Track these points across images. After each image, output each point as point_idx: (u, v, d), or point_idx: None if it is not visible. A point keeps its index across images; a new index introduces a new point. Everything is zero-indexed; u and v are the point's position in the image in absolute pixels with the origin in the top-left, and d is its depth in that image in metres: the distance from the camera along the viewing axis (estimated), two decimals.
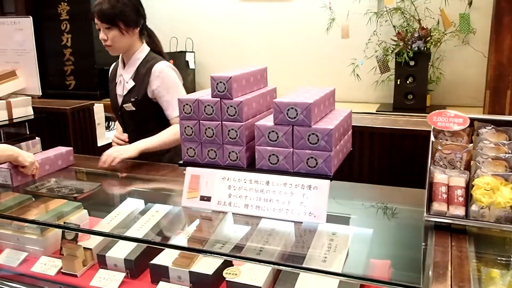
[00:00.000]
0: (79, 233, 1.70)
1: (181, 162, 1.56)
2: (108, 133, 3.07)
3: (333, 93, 1.59)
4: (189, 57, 4.52)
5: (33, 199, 1.92)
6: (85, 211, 1.86)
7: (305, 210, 1.37)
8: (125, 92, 2.21)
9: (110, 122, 3.13)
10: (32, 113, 2.06)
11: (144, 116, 2.21)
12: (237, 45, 4.49)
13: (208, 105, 1.45)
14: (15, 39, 2.02)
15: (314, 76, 4.21)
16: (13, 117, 1.98)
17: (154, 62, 2.20)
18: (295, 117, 1.34)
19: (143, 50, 2.24)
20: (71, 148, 2.05)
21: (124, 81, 2.21)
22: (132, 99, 2.18)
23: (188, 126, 1.50)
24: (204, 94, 1.52)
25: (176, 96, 1.78)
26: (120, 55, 2.24)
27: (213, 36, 4.57)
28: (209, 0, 4.53)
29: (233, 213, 1.50)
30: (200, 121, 1.48)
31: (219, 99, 1.44)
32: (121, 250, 1.62)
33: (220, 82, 1.43)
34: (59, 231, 1.73)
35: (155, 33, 2.40)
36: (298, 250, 1.42)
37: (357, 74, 3.82)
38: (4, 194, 1.91)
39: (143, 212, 1.75)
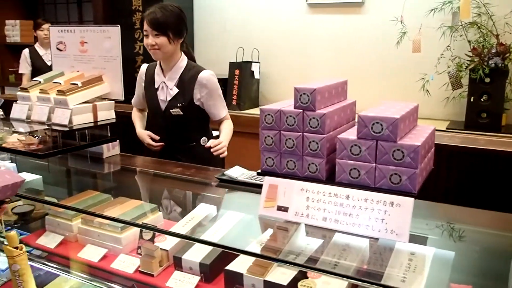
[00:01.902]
0: (156, 234, 1.76)
1: (259, 171, 1.58)
2: None
3: (416, 109, 1.56)
4: (254, 67, 4.59)
5: (112, 198, 2.01)
6: (160, 213, 1.92)
7: (387, 227, 1.34)
8: (169, 98, 2.39)
9: None
10: (114, 116, 2.16)
11: (188, 119, 2.42)
12: (302, 57, 4.51)
13: (290, 116, 1.46)
14: (103, 46, 2.13)
15: (382, 90, 4.14)
16: (98, 120, 2.08)
17: (197, 70, 2.41)
18: (380, 132, 1.33)
19: (184, 59, 2.44)
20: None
21: (168, 88, 2.39)
22: (179, 105, 2.37)
23: (268, 136, 1.52)
24: (285, 105, 1.54)
25: (220, 99, 2.43)
26: (159, 63, 2.42)
27: (279, 47, 4.61)
28: (277, 11, 4.58)
29: (308, 225, 1.50)
30: (281, 131, 1.49)
31: (301, 110, 1.45)
32: (197, 254, 1.65)
33: (304, 93, 1.44)
34: (137, 230, 1.80)
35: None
36: (376, 267, 1.40)
37: (427, 90, 3.71)
38: (83, 193, 2.02)
39: (216, 218, 1.79)
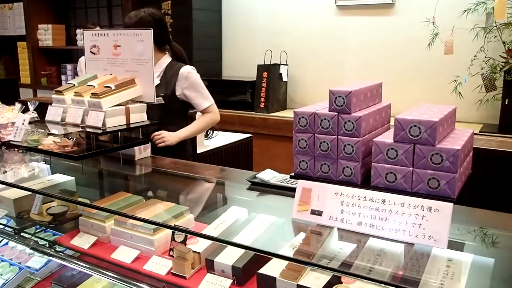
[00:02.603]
0: (188, 236, 1.76)
1: (292, 174, 1.57)
2: (207, 141, 3.18)
3: (454, 112, 1.52)
4: (282, 69, 4.58)
5: (144, 200, 2.03)
6: (192, 215, 1.93)
7: (424, 233, 1.31)
8: (161, 89, 2.65)
9: (209, 131, 3.24)
10: (146, 119, 2.18)
11: (169, 109, 2.66)
12: (331, 59, 4.48)
13: (325, 119, 1.45)
14: (136, 49, 2.16)
15: (413, 93, 4.07)
16: (130, 122, 2.10)
17: (179, 67, 2.71)
18: (417, 135, 1.30)
19: (167, 58, 2.76)
20: None
21: None
22: (161, 94, 2.59)
23: (302, 139, 1.50)
24: (319, 107, 1.52)
25: (201, 91, 2.66)
26: None
27: (307, 49, 4.59)
28: (305, 13, 4.56)
29: (341, 229, 1.48)
30: (315, 134, 1.48)
31: (336, 113, 1.43)
32: (229, 257, 1.65)
33: (339, 96, 1.42)
34: (169, 232, 1.81)
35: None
36: (412, 274, 1.36)
37: (459, 92, 3.63)
38: (115, 195, 2.04)
39: (248, 221, 1.78)
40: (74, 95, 2.16)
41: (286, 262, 1.58)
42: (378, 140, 1.37)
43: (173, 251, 1.80)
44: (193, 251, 1.70)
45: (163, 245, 1.83)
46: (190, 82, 2.67)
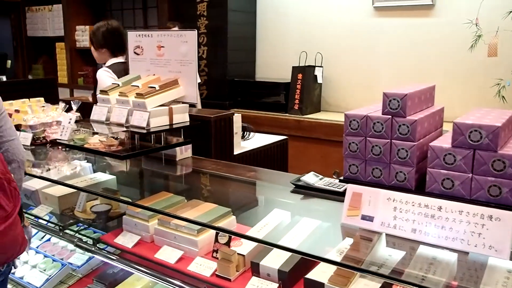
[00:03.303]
0: (232, 238, 1.75)
1: (341, 178, 1.54)
2: (244, 143, 3.17)
3: None
4: (317, 71, 4.54)
5: (185, 200, 2.03)
6: (234, 217, 1.92)
7: (484, 242, 1.26)
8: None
9: (246, 132, 3.23)
10: (188, 119, 2.19)
11: None
12: (367, 61, 4.41)
13: (378, 122, 1.41)
14: (180, 50, 2.16)
15: (454, 96, 3.96)
16: (173, 123, 2.11)
17: (99, 69, 3.18)
18: (478, 141, 1.25)
19: (110, 62, 3.14)
20: None
21: None
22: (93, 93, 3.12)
23: (353, 142, 1.47)
24: (370, 110, 1.49)
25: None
26: None
27: (343, 51, 4.54)
28: (341, 14, 4.51)
29: (389, 235, 1.44)
30: (367, 138, 1.44)
31: (390, 116, 1.39)
32: (275, 260, 1.63)
33: (394, 99, 1.38)
34: (213, 233, 1.80)
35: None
36: (468, 284, 1.32)
37: (503, 96, 3.51)
38: (157, 195, 2.05)
39: (292, 224, 1.75)
40: (119, 95, 2.18)
41: (333, 268, 1.56)
42: (434, 144, 1.32)
43: (216, 253, 1.79)
44: (238, 254, 1.69)
45: (206, 246, 1.83)
46: (99, 83, 3.11)
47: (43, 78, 5.99)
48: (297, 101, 4.47)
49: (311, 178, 1.89)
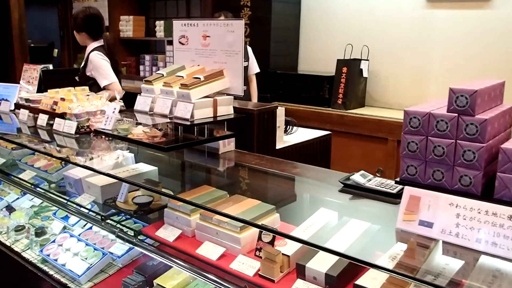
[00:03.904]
0: (276, 237, 1.68)
1: (397, 179, 1.43)
2: (286, 137, 3.09)
3: None
4: (363, 65, 4.39)
5: (228, 195, 1.98)
6: (278, 215, 1.85)
7: None
8: (81, 68, 3.57)
9: (289, 126, 3.14)
10: (233, 112, 2.12)
11: (85, 85, 3.21)
12: (417, 56, 4.22)
13: (442, 120, 1.30)
14: (226, 40, 2.10)
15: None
16: (217, 115, 2.05)
17: (91, 52, 3.42)
18: None
19: (92, 45, 3.46)
20: None
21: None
22: (78, 73, 3.54)
23: (412, 142, 1.36)
24: (433, 107, 1.37)
25: (100, 72, 3.36)
26: None
27: (391, 44, 4.36)
28: (391, 6, 4.33)
29: (447, 242, 1.33)
30: (429, 137, 1.33)
31: (457, 114, 1.27)
32: (322, 263, 1.55)
33: (462, 95, 1.26)
34: (256, 231, 1.74)
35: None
36: None
37: None
38: (199, 188, 2.00)
39: (340, 225, 1.66)
40: (163, 85, 2.14)
41: (385, 275, 1.46)
42: (507, 147, 1.20)
43: (260, 251, 1.73)
44: (283, 254, 1.62)
45: (249, 244, 1.77)
46: (93, 65, 3.39)
47: None
48: (340, 95, 4.34)
49: (360, 178, 1.79)
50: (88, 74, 3.45)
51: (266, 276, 1.59)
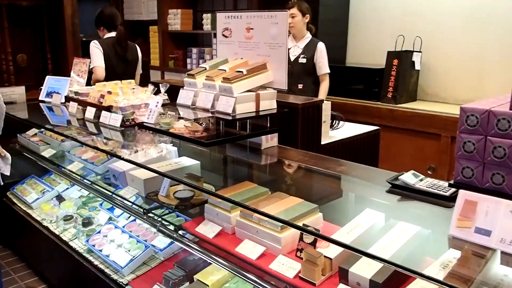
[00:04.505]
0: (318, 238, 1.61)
1: (451, 182, 1.32)
2: (332, 132, 2.99)
3: None
4: (415, 57, 4.18)
5: (269, 192, 1.92)
6: (321, 214, 1.77)
7: None
8: None
9: (335, 121, 3.04)
10: (276, 106, 2.06)
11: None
12: (475, 47, 3.97)
13: (504, 118, 1.18)
14: (269, 32, 2.03)
15: None
16: (260, 110, 1.99)
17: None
18: None
19: (105, 36, 3.84)
20: None
21: None
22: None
23: (469, 141, 1.25)
24: (493, 104, 1.25)
25: (91, 57, 3.67)
26: None
27: (446, 35, 4.13)
28: None
29: (505, 253, 1.21)
30: (488, 137, 1.21)
31: None
32: (366, 268, 1.46)
33: None
34: (297, 231, 1.67)
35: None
36: None
37: None
38: (241, 184, 1.96)
39: (386, 228, 1.57)
40: (205, 79, 2.11)
41: (435, 284, 1.36)
42: None
43: (301, 252, 1.66)
44: (325, 256, 1.55)
45: (290, 244, 1.71)
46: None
47: None
48: (391, 89, 4.17)
49: (411, 178, 1.68)
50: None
51: (307, 278, 1.52)
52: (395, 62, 4.15)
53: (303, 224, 1.60)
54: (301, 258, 1.63)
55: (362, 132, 3.15)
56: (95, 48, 3.79)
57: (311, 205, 1.77)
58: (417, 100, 4.35)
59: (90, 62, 3.56)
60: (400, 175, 1.70)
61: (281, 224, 1.67)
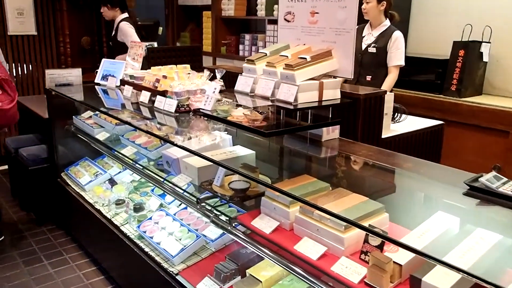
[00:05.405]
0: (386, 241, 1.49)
1: None
2: (394, 125, 2.82)
3: None
4: (483, 48, 3.90)
5: (330, 188, 1.81)
6: (387, 214, 1.64)
7: None
8: (112, 36, 4.41)
9: (397, 114, 2.86)
10: (339, 96, 1.93)
11: (118, 49, 4.33)
12: None
13: None
14: (336, 17, 1.90)
15: None
16: (323, 99, 1.87)
17: (120, 21, 4.25)
18: None
19: (121, 17, 4.29)
20: None
21: (113, 31, 4.43)
22: (112, 40, 4.42)
23: None
24: None
25: (128, 38, 4.10)
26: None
27: None
28: None
29: None
30: None
31: None
32: (442, 278, 1.33)
33: None
34: (362, 231, 1.55)
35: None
36: None
37: None
38: (299, 178, 1.85)
39: (462, 235, 1.42)
40: (266, 65, 2.01)
41: None
42: None
43: (365, 255, 1.54)
44: (394, 262, 1.42)
45: (354, 245, 1.59)
46: (122, 32, 4.23)
47: (190, 46, 6.18)
48: (455, 81, 3.91)
49: (492, 180, 1.51)
50: (119, 39, 4.28)
51: (374, 285, 1.40)
52: (461, 53, 3.88)
53: (369, 224, 1.48)
54: (366, 262, 1.52)
55: (424, 127, 2.97)
56: (130, 28, 4.21)
57: (377, 204, 1.64)
58: (483, 94, 4.07)
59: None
60: (479, 177, 1.54)
61: (345, 223, 1.55)
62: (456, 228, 1.50)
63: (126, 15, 4.34)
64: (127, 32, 4.26)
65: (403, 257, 1.45)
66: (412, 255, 1.44)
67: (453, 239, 1.42)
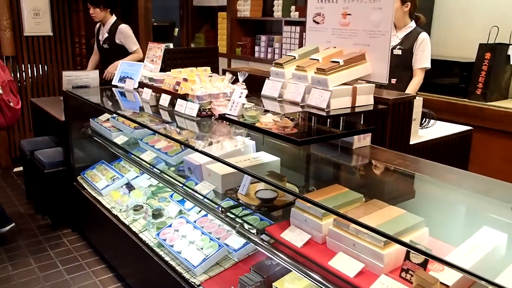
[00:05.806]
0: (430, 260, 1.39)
1: None
2: (422, 131, 2.71)
3: None
4: (511, 50, 3.77)
5: (363, 199, 1.71)
6: (427, 229, 1.54)
7: None
8: (103, 39, 4.30)
9: (425, 119, 2.76)
10: (373, 102, 1.83)
11: (114, 51, 4.23)
12: None
13: None
14: (371, 19, 1.80)
15: None
16: (356, 105, 1.77)
17: (118, 24, 4.25)
18: None
19: (112, 18, 4.29)
20: None
21: (103, 33, 4.30)
22: (107, 42, 4.27)
23: None
24: None
25: (130, 40, 4.24)
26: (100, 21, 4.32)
27: None
28: None
29: None
30: None
31: None
32: None
33: None
34: (401, 247, 1.45)
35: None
36: None
37: None
38: (330, 188, 1.76)
39: None
40: (296, 69, 1.91)
41: None
42: None
43: (406, 273, 1.45)
44: (441, 283, 1.33)
45: (393, 262, 1.49)
46: (124, 34, 4.22)
47: (206, 47, 6.11)
48: (480, 85, 3.79)
49: None
50: (117, 41, 4.25)
51: None
52: (487, 55, 3.76)
53: (410, 240, 1.39)
54: (407, 280, 1.42)
55: (452, 133, 2.85)
56: (131, 31, 4.27)
57: (416, 218, 1.54)
58: (509, 98, 3.94)
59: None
60: None
61: (384, 239, 1.45)
62: (504, 245, 1.40)
63: (115, 17, 4.34)
64: (130, 34, 4.27)
65: (449, 277, 1.35)
66: (460, 275, 1.34)
67: (503, 258, 1.33)
